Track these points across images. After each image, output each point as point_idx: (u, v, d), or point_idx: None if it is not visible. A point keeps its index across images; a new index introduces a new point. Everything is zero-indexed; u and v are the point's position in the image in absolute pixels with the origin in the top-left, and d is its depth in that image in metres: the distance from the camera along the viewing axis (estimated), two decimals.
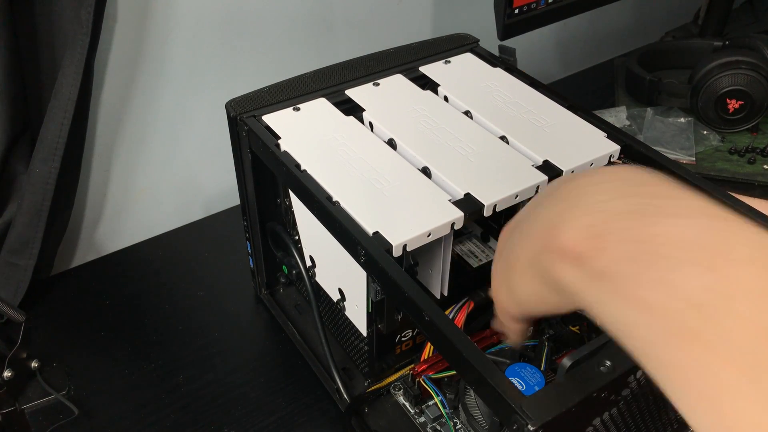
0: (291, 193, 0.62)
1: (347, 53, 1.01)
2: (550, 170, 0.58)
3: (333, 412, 0.68)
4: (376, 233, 0.51)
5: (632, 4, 1.38)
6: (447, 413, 0.60)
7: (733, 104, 0.99)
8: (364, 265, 0.51)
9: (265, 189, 0.68)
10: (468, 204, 0.54)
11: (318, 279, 0.66)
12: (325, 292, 0.66)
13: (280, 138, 0.61)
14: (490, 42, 0.84)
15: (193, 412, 0.68)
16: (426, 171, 0.58)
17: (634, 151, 0.61)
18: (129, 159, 0.88)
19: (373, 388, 0.64)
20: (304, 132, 0.62)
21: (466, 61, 0.74)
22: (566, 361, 0.42)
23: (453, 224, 0.53)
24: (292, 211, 0.66)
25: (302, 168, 0.57)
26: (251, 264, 0.77)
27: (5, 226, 0.75)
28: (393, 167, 0.58)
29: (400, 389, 0.65)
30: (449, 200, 0.54)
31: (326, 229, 0.55)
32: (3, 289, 0.76)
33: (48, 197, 0.73)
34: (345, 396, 0.65)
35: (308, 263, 0.66)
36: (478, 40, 0.77)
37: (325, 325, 0.69)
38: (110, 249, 0.90)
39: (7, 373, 0.66)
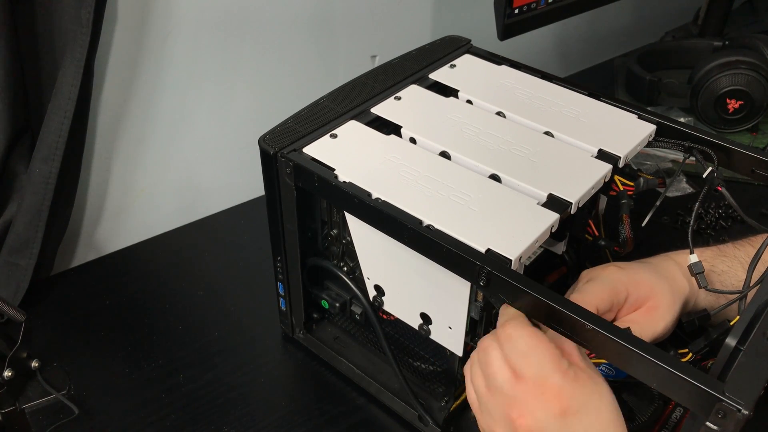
0: (349, 224, 0.59)
1: (347, 53, 1.01)
2: (608, 158, 0.60)
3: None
4: (489, 250, 0.50)
5: (632, 4, 1.38)
6: None
7: (732, 104, 0.99)
8: (485, 286, 0.49)
9: (303, 225, 0.65)
10: (555, 205, 0.54)
11: (387, 308, 0.63)
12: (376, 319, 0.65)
13: (334, 169, 0.58)
14: (491, 40, 0.84)
15: (193, 412, 0.68)
16: (495, 177, 0.58)
17: (666, 128, 0.64)
18: (129, 159, 0.88)
19: (455, 405, 0.64)
20: (353, 158, 0.59)
21: (469, 62, 0.74)
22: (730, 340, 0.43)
23: (551, 227, 0.53)
24: (344, 243, 0.65)
25: (374, 196, 0.55)
26: (282, 306, 0.73)
27: (5, 226, 0.75)
28: (462, 179, 0.57)
29: None
30: (537, 203, 0.54)
31: (409, 255, 0.53)
32: (3, 288, 0.76)
33: (48, 197, 0.72)
34: (432, 422, 0.64)
35: (372, 293, 0.64)
36: (471, 41, 0.77)
37: (394, 353, 0.66)
38: (110, 249, 0.89)
39: (7, 373, 0.66)
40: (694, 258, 0.59)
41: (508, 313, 0.50)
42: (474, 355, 0.52)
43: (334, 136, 0.62)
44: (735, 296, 0.57)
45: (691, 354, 0.60)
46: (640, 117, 0.65)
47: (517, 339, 0.47)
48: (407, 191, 0.56)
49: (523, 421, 0.46)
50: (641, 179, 0.63)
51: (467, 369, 0.53)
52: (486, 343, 0.49)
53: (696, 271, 0.59)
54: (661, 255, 0.65)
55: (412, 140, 0.63)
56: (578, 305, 0.46)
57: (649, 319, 0.60)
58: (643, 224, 0.63)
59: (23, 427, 0.67)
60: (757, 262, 0.54)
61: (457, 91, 0.69)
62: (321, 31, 0.97)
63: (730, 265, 0.64)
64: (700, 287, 0.59)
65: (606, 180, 0.59)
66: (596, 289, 0.59)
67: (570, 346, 0.49)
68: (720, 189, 0.59)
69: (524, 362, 0.46)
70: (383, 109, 0.66)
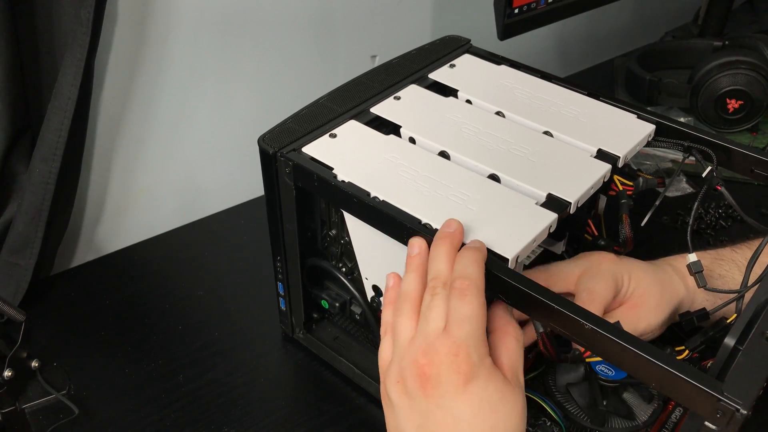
0: (348, 224, 0.60)
1: (347, 53, 1.02)
2: (608, 158, 0.60)
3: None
4: (488, 250, 0.50)
5: (632, 4, 1.38)
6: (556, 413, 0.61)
7: (732, 104, 0.99)
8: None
9: (303, 225, 0.65)
10: (554, 204, 0.54)
11: None
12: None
13: (333, 168, 0.58)
14: (491, 40, 0.84)
15: (193, 412, 0.68)
16: (494, 177, 0.58)
17: (666, 128, 0.64)
18: (129, 159, 0.88)
19: None
20: (353, 158, 0.59)
21: (469, 62, 0.74)
22: (729, 340, 0.43)
23: (550, 227, 0.53)
24: (342, 243, 0.65)
25: (373, 195, 0.55)
26: (282, 306, 0.73)
27: (5, 225, 0.75)
28: (461, 179, 0.57)
29: None
30: (536, 203, 0.54)
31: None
32: (3, 288, 0.76)
33: (48, 197, 0.73)
34: None
35: (370, 293, 0.64)
36: (470, 40, 0.77)
37: None
38: (110, 249, 0.90)
39: (7, 373, 0.66)
40: (692, 257, 0.59)
41: (471, 272, 0.47)
42: (411, 294, 0.50)
43: (334, 136, 0.62)
44: (732, 296, 0.57)
45: (687, 351, 0.60)
46: (639, 117, 0.65)
47: (467, 302, 0.46)
48: (406, 191, 0.56)
49: (429, 369, 0.46)
50: (641, 179, 0.63)
51: (390, 308, 0.51)
52: (438, 288, 0.48)
53: (695, 270, 0.59)
54: (659, 260, 0.65)
55: (412, 140, 0.63)
56: (577, 305, 0.46)
57: (630, 317, 0.60)
58: (643, 224, 0.63)
59: (23, 427, 0.67)
60: (755, 262, 0.54)
61: (457, 90, 0.69)
62: (321, 31, 0.97)
63: (727, 269, 0.64)
64: (699, 286, 0.59)
65: (605, 180, 0.59)
66: (603, 285, 0.59)
67: (511, 364, 0.48)
68: (719, 188, 0.59)
69: (459, 324, 0.46)
70: (383, 109, 0.66)
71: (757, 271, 0.53)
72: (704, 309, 0.62)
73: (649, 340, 0.62)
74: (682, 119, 1.03)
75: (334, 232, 0.66)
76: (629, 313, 0.60)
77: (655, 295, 0.60)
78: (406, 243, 0.53)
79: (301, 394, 0.71)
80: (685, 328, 0.62)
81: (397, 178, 0.57)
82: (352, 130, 0.63)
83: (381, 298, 0.62)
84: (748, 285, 0.54)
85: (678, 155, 0.95)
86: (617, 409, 0.61)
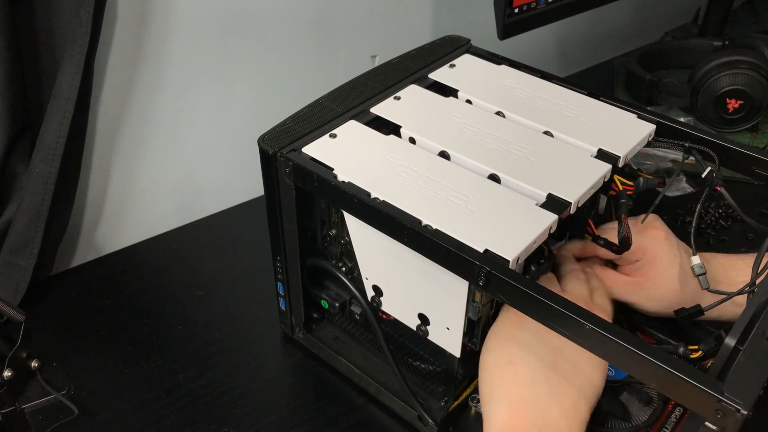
0: (348, 224, 0.60)
1: (347, 53, 1.02)
2: (608, 158, 0.60)
3: None
4: (487, 251, 0.50)
5: (632, 4, 1.38)
6: None
7: (732, 104, 0.99)
8: (484, 286, 0.49)
9: (302, 225, 0.65)
10: (554, 205, 0.54)
11: (385, 308, 0.63)
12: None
13: (333, 169, 0.58)
14: (491, 40, 0.84)
15: (193, 412, 0.68)
16: (494, 178, 0.58)
17: (666, 128, 0.64)
18: (129, 159, 0.88)
19: (454, 405, 0.64)
20: (353, 158, 0.59)
21: (469, 62, 0.74)
22: (729, 340, 0.44)
23: (550, 228, 0.53)
24: (342, 243, 0.65)
25: (373, 196, 0.55)
26: (282, 306, 0.73)
27: (5, 226, 0.75)
28: (461, 180, 0.57)
29: (478, 401, 0.64)
30: (536, 204, 0.54)
31: (408, 255, 0.53)
32: (3, 288, 0.76)
33: (48, 197, 0.73)
34: (431, 422, 0.64)
35: (370, 293, 0.64)
36: (470, 40, 0.77)
37: (393, 353, 0.66)
38: (110, 249, 0.90)
39: (7, 373, 0.66)
40: (696, 260, 0.59)
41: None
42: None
43: (334, 136, 0.62)
44: (727, 294, 0.57)
45: (701, 352, 0.60)
46: (639, 117, 0.65)
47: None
48: (406, 191, 0.56)
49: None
50: (641, 179, 0.63)
51: None
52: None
53: (698, 272, 0.59)
54: None
55: (412, 140, 0.63)
56: (578, 306, 0.46)
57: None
58: (642, 221, 0.63)
59: (23, 427, 0.67)
60: (760, 263, 0.54)
61: (457, 90, 0.69)
62: (321, 31, 0.97)
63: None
64: (702, 288, 0.59)
65: (606, 180, 0.59)
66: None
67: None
68: (719, 189, 0.59)
69: None
70: (383, 109, 0.66)
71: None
72: (699, 305, 0.62)
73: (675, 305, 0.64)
74: (682, 119, 1.03)
75: (334, 231, 0.66)
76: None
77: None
78: (406, 243, 0.53)
79: (301, 394, 0.71)
80: (680, 324, 0.63)
81: (398, 179, 0.57)
82: (352, 130, 0.63)
83: (381, 298, 0.62)
84: (750, 285, 0.54)
85: (678, 155, 0.95)
86: (617, 409, 0.61)
